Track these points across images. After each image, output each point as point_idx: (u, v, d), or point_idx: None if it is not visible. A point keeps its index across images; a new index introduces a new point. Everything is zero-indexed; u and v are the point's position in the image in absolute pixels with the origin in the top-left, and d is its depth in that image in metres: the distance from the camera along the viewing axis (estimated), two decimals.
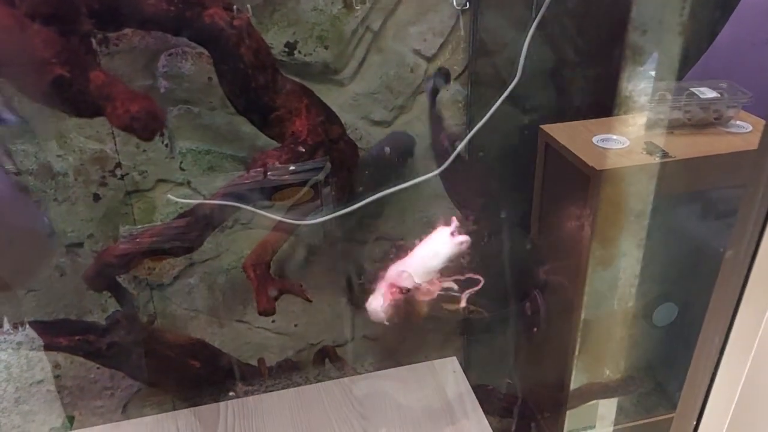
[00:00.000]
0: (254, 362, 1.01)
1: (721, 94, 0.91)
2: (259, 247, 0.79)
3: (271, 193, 0.81)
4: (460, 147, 0.94)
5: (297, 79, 0.83)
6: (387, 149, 0.97)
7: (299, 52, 0.93)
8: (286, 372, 0.98)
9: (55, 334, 0.77)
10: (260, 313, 0.78)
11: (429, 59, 0.99)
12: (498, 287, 1.14)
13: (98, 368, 1.02)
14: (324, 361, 0.98)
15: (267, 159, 0.75)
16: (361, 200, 0.89)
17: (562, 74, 1.04)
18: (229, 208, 0.81)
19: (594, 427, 1.01)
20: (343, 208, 0.87)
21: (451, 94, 1.03)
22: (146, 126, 0.60)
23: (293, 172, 0.84)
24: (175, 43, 0.88)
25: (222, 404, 0.98)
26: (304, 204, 0.86)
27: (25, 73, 0.56)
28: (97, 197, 0.94)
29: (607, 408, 1.00)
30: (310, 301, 0.86)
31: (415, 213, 1.10)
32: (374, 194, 0.91)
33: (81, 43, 0.57)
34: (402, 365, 1.10)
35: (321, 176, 0.78)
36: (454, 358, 1.08)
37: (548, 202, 1.01)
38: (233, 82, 0.74)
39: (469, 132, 0.95)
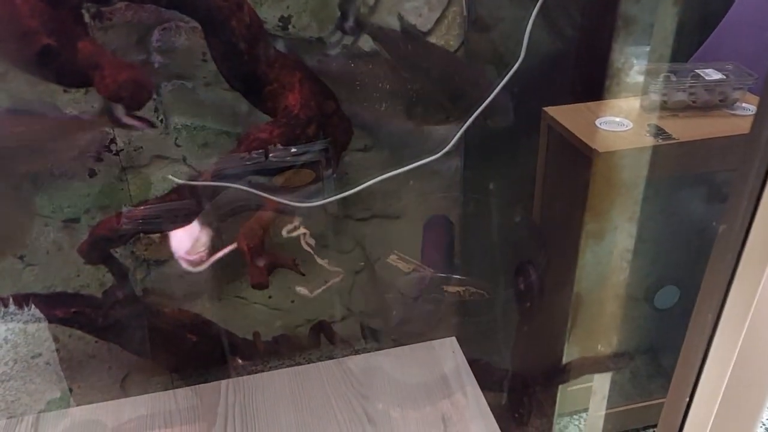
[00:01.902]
0: (251, 337, 1.01)
1: (726, 75, 0.90)
2: (253, 222, 0.79)
3: (272, 174, 0.82)
4: (461, 132, 0.93)
5: (291, 54, 0.82)
6: None
7: (293, 26, 0.92)
8: (282, 347, 0.99)
9: (52, 306, 0.78)
10: (253, 287, 0.79)
11: (424, 34, 0.98)
12: (499, 268, 1.14)
13: (96, 342, 1.03)
14: (319, 336, 0.99)
15: (258, 133, 0.75)
16: (363, 182, 0.89)
17: (565, 55, 1.03)
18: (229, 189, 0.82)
19: (587, 410, 1.01)
20: (343, 190, 0.88)
21: None
22: (134, 95, 0.60)
23: (295, 154, 0.85)
24: (169, 17, 0.88)
25: (223, 382, 0.99)
26: (306, 186, 0.86)
27: (12, 43, 0.56)
28: (92, 173, 0.95)
29: (599, 389, 1.01)
30: (303, 275, 0.87)
31: (411, 192, 1.10)
32: (375, 177, 0.90)
33: (70, 14, 0.57)
34: (401, 345, 1.11)
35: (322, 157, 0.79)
36: (454, 338, 1.09)
37: (550, 184, 1.01)
38: (225, 56, 0.74)
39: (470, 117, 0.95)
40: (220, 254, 0.87)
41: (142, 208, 0.77)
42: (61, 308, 0.79)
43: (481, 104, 0.92)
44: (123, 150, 0.95)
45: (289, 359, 1.02)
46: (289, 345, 0.99)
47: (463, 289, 1.18)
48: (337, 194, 0.91)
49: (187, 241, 0.85)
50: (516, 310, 0.93)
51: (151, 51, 0.89)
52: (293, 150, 0.99)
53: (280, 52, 0.79)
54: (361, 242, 1.11)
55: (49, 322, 0.81)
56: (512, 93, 0.97)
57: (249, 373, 0.97)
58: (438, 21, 0.98)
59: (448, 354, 1.08)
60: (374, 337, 1.20)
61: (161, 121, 0.95)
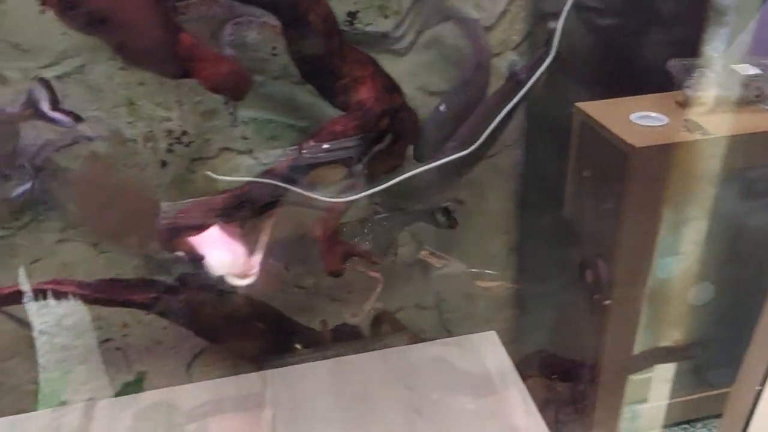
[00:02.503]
0: (313, 325, 1.04)
1: (762, 70, 0.89)
2: (327, 212, 0.81)
3: (306, 170, 0.83)
4: (494, 124, 0.93)
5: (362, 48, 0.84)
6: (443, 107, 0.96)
7: (360, 21, 0.94)
8: (344, 336, 1.01)
9: (133, 291, 0.81)
10: (329, 274, 0.81)
11: (488, 28, 0.99)
12: (544, 261, 1.15)
13: (164, 329, 1.06)
14: (380, 326, 1.01)
15: (333, 126, 0.77)
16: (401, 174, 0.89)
17: (598, 50, 1.03)
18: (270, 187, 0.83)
19: (644, 400, 1.02)
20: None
21: (508, 64, 1.04)
22: (237, 86, 0.63)
23: (327, 150, 0.87)
24: (242, 11, 0.90)
25: (268, 372, 1.01)
26: (341, 181, 0.88)
27: (119, 35, 0.58)
28: (164, 164, 0.98)
29: (660, 379, 1.01)
30: (377, 264, 0.88)
31: (470, 186, 1.11)
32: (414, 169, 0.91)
33: (170, 7, 0.59)
34: (442, 338, 1.12)
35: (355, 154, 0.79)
36: (494, 332, 1.10)
37: (582, 179, 1.02)
38: (301, 49, 0.76)
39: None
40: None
41: (220, 197, 0.79)
42: (141, 293, 0.82)
43: (515, 96, 0.92)
44: (193, 142, 0.98)
45: (349, 348, 1.04)
46: (350, 334, 1.01)
47: (497, 284, 1.19)
48: (369, 189, 0.92)
49: (229, 259, 0.85)
50: (581, 302, 0.94)
51: (223, 45, 0.92)
52: (325, 146, 1.01)
53: (352, 46, 0.81)
54: (415, 236, 1.13)
55: (127, 306, 0.84)
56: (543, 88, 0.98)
57: (309, 356, 0.99)
58: (501, 15, 0.99)
59: (489, 348, 1.09)
60: (421, 329, 1.21)
61: (230, 113, 0.97)
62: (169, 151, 0.97)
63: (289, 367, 1.01)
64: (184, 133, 0.97)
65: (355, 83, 0.80)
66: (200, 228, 0.85)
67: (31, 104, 0.82)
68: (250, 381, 1.00)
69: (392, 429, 0.92)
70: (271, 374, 1.00)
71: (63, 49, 0.88)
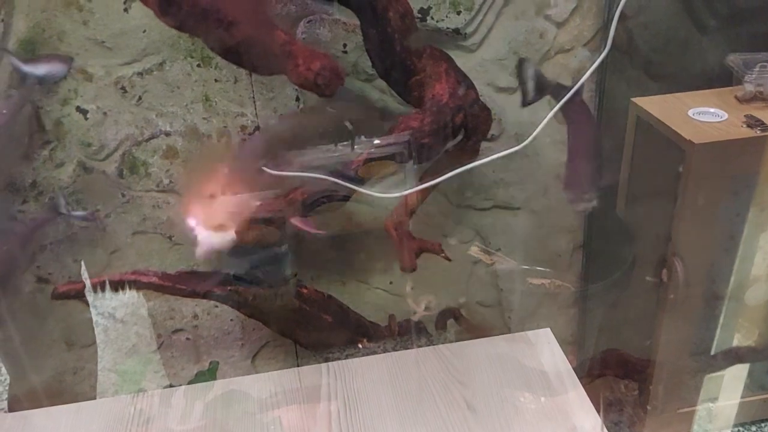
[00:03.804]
0: (376, 320, 1.05)
1: None
2: (399, 207, 0.82)
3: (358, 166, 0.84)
4: (544, 122, 0.92)
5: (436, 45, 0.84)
6: None
7: (432, 17, 0.94)
8: (409, 331, 1.02)
9: (211, 283, 0.83)
10: (403, 270, 0.82)
11: (559, 24, 0.98)
12: (610, 259, 1.13)
13: (231, 320, 1.09)
14: (446, 322, 1.01)
15: (410, 121, 0.77)
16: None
17: (654, 46, 1.01)
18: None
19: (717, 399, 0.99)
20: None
21: (579, 60, 1.02)
22: (330, 82, 0.64)
23: (378, 146, 0.87)
24: (315, 9, 0.92)
25: (323, 365, 1.02)
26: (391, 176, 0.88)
27: (218, 31, 0.60)
28: (237, 159, 1.00)
29: (733, 379, 0.98)
30: (450, 260, 0.89)
31: (535, 183, 1.10)
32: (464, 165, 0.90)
33: (267, 6, 0.60)
34: (495, 334, 1.11)
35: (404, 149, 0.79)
36: (548, 329, 1.09)
37: (637, 175, 0.99)
38: (379, 46, 0.76)
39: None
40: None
41: (299, 191, 0.81)
42: (217, 285, 0.84)
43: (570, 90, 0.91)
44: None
45: (411, 343, 1.04)
46: (415, 330, 1.01)
47: (548, 281, 1.18)
48: (418, 185, 0.92)
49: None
50: (651, 301, 0.92)
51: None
52: (376, 141, 1.01)
53: (427, 43, 0.81)
54: (480, 232, 1.13)
55: (206, 297, 0.86)
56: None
57: (373, 351, 1.00)
58: (573, 11, 0.98)
59: (544, 345, 1.08)
60: (482, 326, 1.21)
61: (301, 109, 0.99)
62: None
63: (348, 360, 1.02)
64: (257, 128, 0.99)
65: (429, 79, 0.80)
66: (275, 222, 0.87)
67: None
68: (312, 373, 1.01)
69: (446, 425, 0.92)
70: (331, 367, 1.02)
71: (144, 47, 0.91)
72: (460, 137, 0.80)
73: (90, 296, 0.84)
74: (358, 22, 0.89)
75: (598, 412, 0.91)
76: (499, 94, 1.01)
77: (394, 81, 0.81)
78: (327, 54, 0.65)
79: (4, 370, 1.78)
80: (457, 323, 1.00)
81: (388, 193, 0.88)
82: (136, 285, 0.82)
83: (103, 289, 0.82)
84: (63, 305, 0.99)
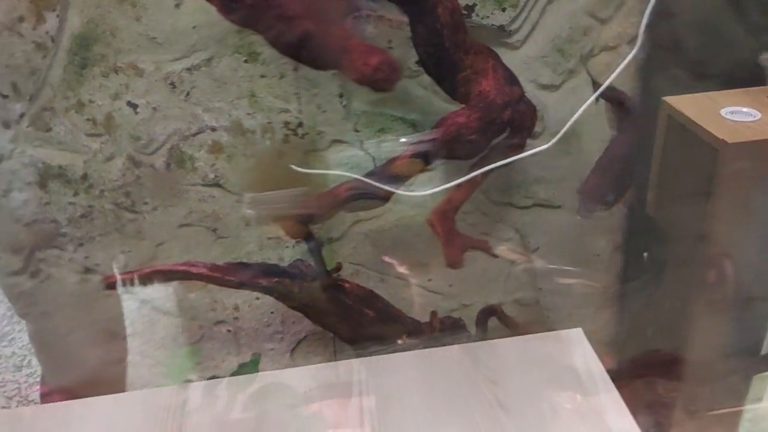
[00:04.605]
0: (415, 316, 1.05)
1: None
2: (444, 203, 0.82)
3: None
4: (571, 121, 0.91)
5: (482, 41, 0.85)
6: None
7: (477, 14, 0.95)
8: (448, 328, 1.02)
9: (257, 275, 0.84)
10: (448, 266, 0.82)
11: (603, 21, 0.98)
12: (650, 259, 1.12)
13: (272, 313, 1.10)
14: (487, 321, 1.01)
15: (456, 118, 0.78)
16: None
17: (685, 43, 1.00)
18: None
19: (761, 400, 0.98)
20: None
21: (622, 58, 1.02)
22: (389, 77, 0.64)
23: (423, 142, 0.87)
24: (360, 5, 0.93)
25: (355, 361, 1.03)
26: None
27: (276, 26, 0.61)
28: (280, 154, 1.01)
29: None
30: (496, 257, 0.89)
31: (575, 179, 1.10)
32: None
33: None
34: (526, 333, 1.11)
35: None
36: (579, 329, 1.08)
37: (667, 175, 0.99)
38: (428, 42, 0.77)
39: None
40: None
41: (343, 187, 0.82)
42: (264, 277, 0.85)
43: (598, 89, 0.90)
44: (307, 134, 1.01)
45: (452, 340, 1.05)
46: (455, 326, 1.02)
47: (576, 281, 1.17)
48: (448, 183, 0.92)
49: None
50: (695, 302, 0.91)
51: None
52: (402, 140, 1.01)
53: (474, 39, 0.82)
54: (520, 230, 1.13)
55: (251, 288, 0.88)
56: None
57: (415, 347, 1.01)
58: (618, 8, 0.98)
59: (575, 345, 1.07)
60: (525, 321, 1.21)
61: (344, 106, 1.00)
62: (285, 142, 1.01)
63: (380, 356, 1.02)
64: (300, 124, 1.00)
65: (476, 75, 0.80)
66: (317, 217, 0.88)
67: None
68: (348, 367, 1.02)
69: (477, 423, 0.92)
70: (365, 362, 1.02)
71: (193, 43, 0.93)
72: (505, 134, 0.80)
73: (135, 287, 0.86)
74: (403, 19, 0.90)
75: (635, 413, 0.91)
76: (542, 91, 1.01)
77: (441, 77, 0.81)
78: (384, 50, 0.66)
79: (34, 362, 1.82)
80: (499, 321, 1.00)
81: (425, 191, 0.88)
82: (186, 275, 0.84)
83: (150, 280, 0.84)
84: (109, 296, 1.02)
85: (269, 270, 0.86)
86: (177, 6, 0.90)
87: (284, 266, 0.88)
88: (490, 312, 1.00)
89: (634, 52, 0.88)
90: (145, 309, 1.05)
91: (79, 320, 1.02)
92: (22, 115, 0.92)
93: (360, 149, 1.04)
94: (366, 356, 1.01)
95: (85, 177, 0.98)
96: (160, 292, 1.04)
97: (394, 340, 0.97)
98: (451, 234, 0.80)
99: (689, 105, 0.92)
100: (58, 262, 1.00)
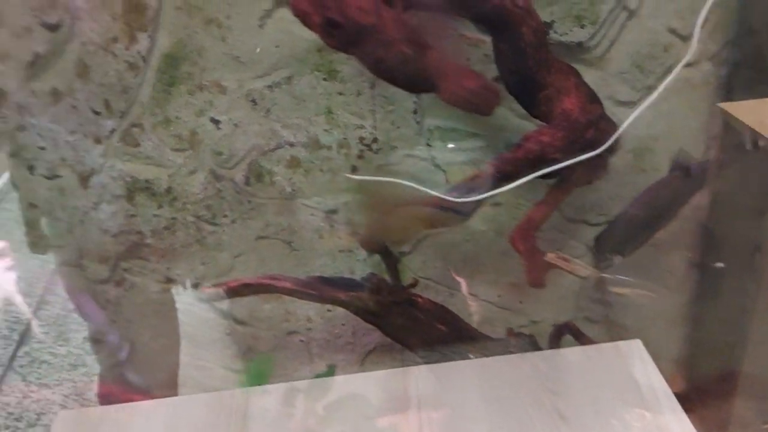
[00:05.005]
0: (485, 331, 1.05)
1: None
2: (525, 222, 0.82)
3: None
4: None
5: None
6: None
7: (555, 31, 0.95)
8: (521, 345, 1.02)
9: (336, 289, 0.86)
10: (531, 285, 0.82)
11: (684, 38, 0.96)
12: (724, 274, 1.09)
13: (343, 325, 1.12)
14: (560, 338, 1.01)
15: (540, 136, 0.78)
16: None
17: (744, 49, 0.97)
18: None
19: None
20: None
21: (702, 74, 1.00)
22: (488, 102, 0.65)
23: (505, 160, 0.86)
24: (451, 27, 0.93)
25: (413, 368, 1.03)
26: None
27: (378, 52, 0.63)
28: (354, 169, 1.03)
29: None
30: (584, 278, 0.89)
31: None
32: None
33: (422, 24, 0.63)
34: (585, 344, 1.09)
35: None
36: (639, 340, 1.06)
37: (724, 183, 0.97)
38: (511, 60, 0.77)
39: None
40: None
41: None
42: (343, 291, 0.87)
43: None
44: (381, 149, 1.03)
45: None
46: (527, 343, 1.01)
47: (629, 291, 1.14)
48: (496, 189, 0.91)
49: None
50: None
51: None
52: (450, 145, 1.01)
53: (556, 57, 0.82)
54: (592, 248, 1.11)
55: (329, 302, 0.90)
56: None
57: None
58: (700, 25, 0.96)
59: (635, 357, 1.05)
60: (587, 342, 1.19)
61: (417, 122, 1.01)
62: (360, 157, 1.02)
63: (441, 364, 1.03)
64: (375, 140, 1.02)
65: (558, 93, 0.80)
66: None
67: None
68: (412, 376, 1.03)
69: None
70: (429, 369, 1.03)
71: (275, 62, 0.96)
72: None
73: (220, 298, 0.89)
74: (481, 37, 0.91)
75: (701, 429, 0.88)
76: (619, 108, 1.00)
77: (522, 95, 0.81)
78: (481, 74, 0.66)
79: (88, 361, 1.88)
80: (574, 338, 0.99)
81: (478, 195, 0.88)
82: (271, 289, 0.86)
83: (238, 293, 0.87)
84: (189, 305, 1.06)
85: (347, 284, 0.87)
86: (261, 26, 0.93)
87: (359, 280, 0.89)
88: (564, 329, 0.99)
89: (688, 56, 0.85)
90: (222, 318, 1.08)
91: (159, 328, 1.06)
92: (112, 131, 0.96)
93: (431, 164, 1.05)
94: (431, 363, 1.02)
95: (169, 190, 1.02)
96: (237, 302, 1.07)
97: (465, 355, 0.97)
98: (533, 253, 0.80)
99: (748, 111, 0.90)
100: (142, 271, 1.04)
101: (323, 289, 0.85)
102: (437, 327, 0.94)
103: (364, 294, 0.85)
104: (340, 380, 0.97)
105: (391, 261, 0.87)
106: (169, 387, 1.13)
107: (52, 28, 0.88)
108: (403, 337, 0.93)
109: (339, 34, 0.62)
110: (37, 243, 1.05)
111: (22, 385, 1.82)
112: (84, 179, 0.96)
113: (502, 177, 0.78)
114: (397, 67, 0.63)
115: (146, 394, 1.09)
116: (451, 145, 1.03)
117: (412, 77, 0.66)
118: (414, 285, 0.89)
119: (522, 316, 1.16)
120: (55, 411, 1.71)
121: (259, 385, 0.93)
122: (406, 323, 0.91)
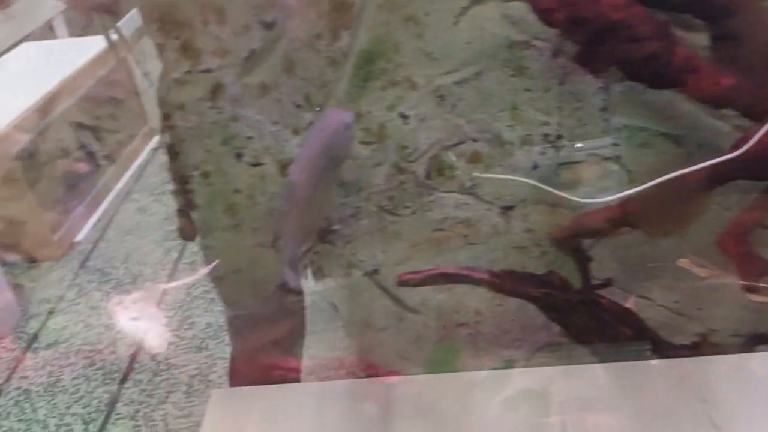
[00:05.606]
0: (667, 338, 1.02)
1: None
2: (736, 225, 0.79)
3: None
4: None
5: None
6: None
7: None
8: (706, 350, 0.98)
9: (527, 285, 0.87)
10: (744, 290, 0.79)
11: None
12: None
13: (512, 320, 1.12)
14: (752, 349, 0.96)
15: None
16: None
17: None
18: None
19: None
20: None
21: None
22: (742, 98, 0.64)
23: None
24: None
25: (560, 368, 1.00)
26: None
27: (624, 48, 0.63)
28: (535, 165, 1.03)
29: None
30: None
31: None
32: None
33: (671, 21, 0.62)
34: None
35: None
36: None
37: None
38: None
39: None
40: None
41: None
42: (534, 287, 0.88)
43: None
44: (564, 147, 1.02)
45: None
46: (713, 353, 0.97)
47: None
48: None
49: None
50: None
51: None
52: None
53: None
54: None
55: (519, 296, 0.91)
56: None
57: None
58: None
59: None
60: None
61: (605, 120, 0.99)
62: (542, 154, 1.02)
63: (574, 366, 1.00)
64: (559, 137, 1.01)
65: None
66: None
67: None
68: (563, 376, 1.01)
69: None
70: (579, 370, 1.01)
71: (465, 58, 0.98)
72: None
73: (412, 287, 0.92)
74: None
75: None
76: None
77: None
78: (732, 71, 0.65)
79: (211, 344, 1.99)
80: None
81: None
82: (469, 279, 0.89)
83: (435, 281, 0.90)
84: (367, 290, 1.10)
85: (537, 280, 0.88)
86: (456, 23, 0.95)
87: (547, 278, 0.89)
88: (759, 339, 0.94)
89: None
90: (396, 306, 1.12)
91: (340, 311, 1.12)
92: (310, 124, 1.03)
93: (616, 163, 1.03)
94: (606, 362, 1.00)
95: (356, 182, 1.07)
96: (411, 291, 1.10)
97: (647, 359, 0.95)
98: (746, 257, 0.77)
99: None
100: (329, 256, 1.10)
101: (516, 283, 0.86)
102: (623, 330, 0.92)
103: (554, 291, 0.85)
104: (515, 374, 0.98)
105: (583, 260, 0.87)
106: (335, 369, 1.18)
107: (268, 26, 0.94)
108: (586, 338, 0.92)
109: (581, 31, 0.63)
110: (186, 230, 1.13)
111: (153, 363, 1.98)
112: (283, 167, 1.03)
113: (715, 179, 0.75)
114: (645, 64, 0.63)
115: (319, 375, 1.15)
116: (639, 145, 1.00)
117: (660, 73, 0.65)
118: (605, 285, 0.88)
119: (698, 324, 1.10)
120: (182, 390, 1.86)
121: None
122: (592, 324, 0.91)
